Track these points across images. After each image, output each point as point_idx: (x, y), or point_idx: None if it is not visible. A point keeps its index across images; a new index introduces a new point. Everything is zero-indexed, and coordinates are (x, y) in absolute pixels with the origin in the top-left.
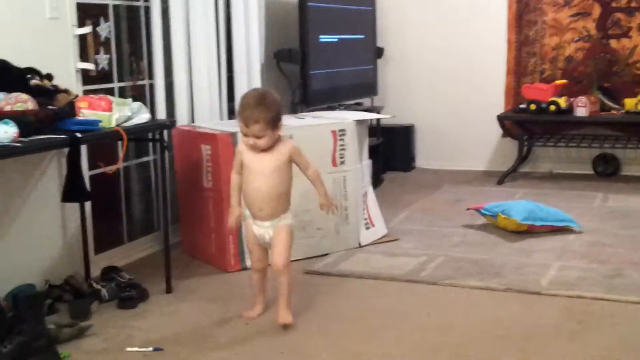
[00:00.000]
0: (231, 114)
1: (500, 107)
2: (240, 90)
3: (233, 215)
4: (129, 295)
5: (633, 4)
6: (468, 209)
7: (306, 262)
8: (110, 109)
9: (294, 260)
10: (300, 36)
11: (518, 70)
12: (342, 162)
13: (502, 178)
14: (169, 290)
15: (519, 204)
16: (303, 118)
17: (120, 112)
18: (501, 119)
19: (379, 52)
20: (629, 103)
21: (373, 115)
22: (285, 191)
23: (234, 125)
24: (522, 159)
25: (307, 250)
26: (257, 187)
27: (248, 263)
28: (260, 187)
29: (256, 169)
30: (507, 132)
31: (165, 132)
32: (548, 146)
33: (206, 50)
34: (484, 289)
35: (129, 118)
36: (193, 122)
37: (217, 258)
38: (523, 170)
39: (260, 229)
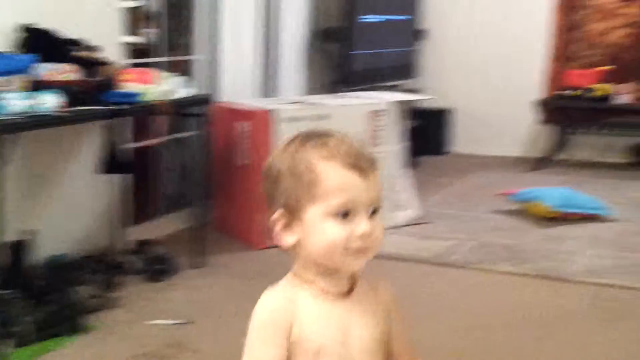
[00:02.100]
0: (270, 91)
1: (539, 91)
2: (282, 68)
3: None
4: (160, 269)
5: None
6: (501, 194)
7: None
8: (152, 82)
9: None
10: (343, 15)
11: (562, 56)
12: (379, 143)
13: (538, 164)
14: (199, 265)
15: (553, 191)
16: (342, 98)
17: (163, 86)
18: (541, 104)
19: (422, 34)
20: None
21: (412, 97)
22: None
23: (272, 103)
24: (559, 145)
25: None
26: None
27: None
28: None
29: (335, 348)
30: (546, 118)
31: (205, 108)
32: (587, 133)
33: (249, 28)
34: (514, 274)
35: (171, 92)
36: (233, 98)
37: (247, 235)
38: (560, 158)
39: None
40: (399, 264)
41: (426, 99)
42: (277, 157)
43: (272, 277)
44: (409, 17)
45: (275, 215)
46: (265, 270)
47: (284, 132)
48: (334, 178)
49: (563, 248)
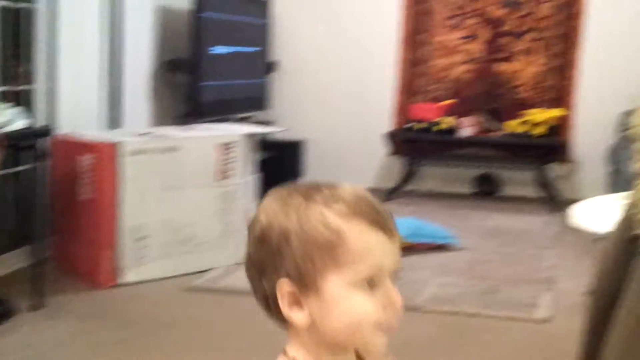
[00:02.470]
0: (115, 123)
1: (388, 124)
2: (128, 99)
3: None
4: None
5: (518, 30)
6: None
7: (186, 277)
8: None
9: (173, 277)
10: (192, 46)
11: (408, 89)
12: (229, 176)
13: (389, 195)
14: (38, 306)
15: (403, 221)
16: (191, 130)
17: None
18: (389, 136)
19: (273, 66)
20: (512, 125)
21: (262, 129)
22: None
23: (117, 135)
24: (408, 176)
25: (188, 266)
26: None
27: (126, 278)
28: None
29: None
30: (395, 150)
31: (45, 140)
32: (434, 165)
33: (92, 57)
34: None
35: (6, 124)
36: (76, 130)
37: (93, 273)
38: (409, 188)
39: None
40: (250, 298)
41: (278, 131)
42: (277, 214)
43: (115, 316)
44: (260, 48)
45: (281, 287)
46: (111, 310)
47: (130, 164)
48: (361, 239)
49: (413, 277)
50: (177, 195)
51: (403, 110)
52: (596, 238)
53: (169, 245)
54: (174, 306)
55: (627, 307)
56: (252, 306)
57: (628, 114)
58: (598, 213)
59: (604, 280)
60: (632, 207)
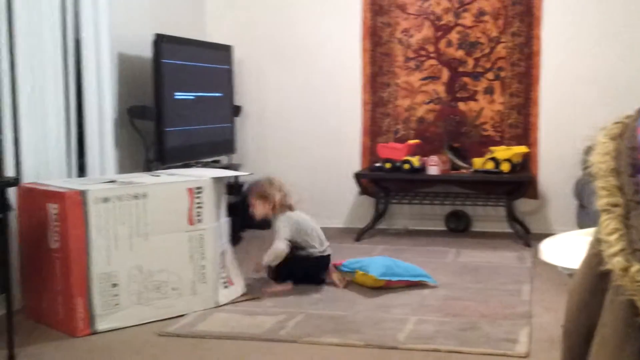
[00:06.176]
0: (81, 171)
1: (357, 165)
2: (92, 147)
3: None
4: None
5: (478, 69)
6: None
7: (161, 323)
8: None
9: (147, 323)
10: (155, 93)
11: (373, 130)
12: (199, 221)
13: (360, 235)
14: (11, 358)
15: (377, 260)
16: (158, 176)
17: None
18: (358, 177)
19: (237, 110)
20: (477, 162)
21: (231, 173)
22: None
23: (82, 183)
24: (378, 216)
25: (162, 312)
26: None
27: (99, 326)
28: None
29: None
30: (364, 190)
31: (9, 190)
32: (403, 203)
33: (55, 104)
34: (343, 345)
35: None
36: (40, 179)
37: (65, 322)
38: (380, 227)
39: None
40: (226, 343)
41: (245, 175)
42: None
43: None
44: (224, 94)
45: None
46: (83, 358)
47: (96, 212)
48: None
49: (390, 316)
50: (148, 241)
51: (370, 150)
52: (570, 272)
53: (142, 292)
54: (149, 353)
55: (602, 341)
56: (228, 350)
57: (587, 151)
58: (567, 249)
59: (576, 317)
60: (598, 243)
